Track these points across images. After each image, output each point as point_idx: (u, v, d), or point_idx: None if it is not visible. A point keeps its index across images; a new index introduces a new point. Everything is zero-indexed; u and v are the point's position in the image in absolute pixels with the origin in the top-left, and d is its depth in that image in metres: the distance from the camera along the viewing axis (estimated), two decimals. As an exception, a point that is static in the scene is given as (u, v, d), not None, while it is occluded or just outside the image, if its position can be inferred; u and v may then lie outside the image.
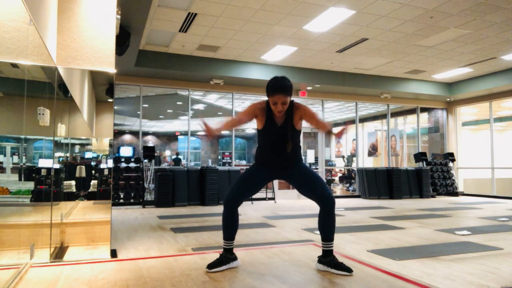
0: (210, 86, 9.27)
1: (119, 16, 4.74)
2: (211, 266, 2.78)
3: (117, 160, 8.03)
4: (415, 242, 4.19)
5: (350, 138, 14.71)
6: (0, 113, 2.79)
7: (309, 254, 3.28)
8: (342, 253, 3.38)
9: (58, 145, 3.75)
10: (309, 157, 10.80)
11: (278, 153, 2.79)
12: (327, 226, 2.73)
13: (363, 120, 14.16)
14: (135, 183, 7.94)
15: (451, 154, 11.15)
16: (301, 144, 2.93)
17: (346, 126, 2.93)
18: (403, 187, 9.90)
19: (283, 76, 2.71)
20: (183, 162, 15.53)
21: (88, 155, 5.04)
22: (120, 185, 7.86)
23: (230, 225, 2.81)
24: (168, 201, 7.77)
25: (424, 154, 11.00)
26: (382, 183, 9.88)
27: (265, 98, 2.82)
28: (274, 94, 2.63)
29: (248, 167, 2.96)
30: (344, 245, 3.97)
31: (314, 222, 5.50)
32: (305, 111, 2.77)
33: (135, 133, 18.67)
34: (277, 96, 2.62)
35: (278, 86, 2.63)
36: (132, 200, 7.86)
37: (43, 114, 3.00)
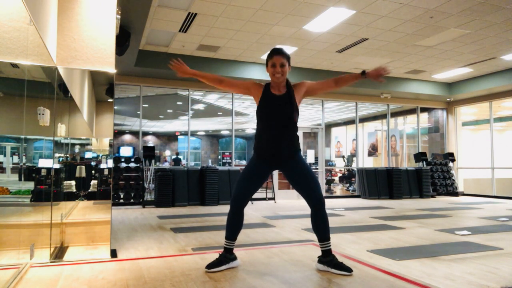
0: (210, 86, 9.26)
1: (119, 16, 4.75)
2: (210, 266, 2.78)
3: (117, 160, 8.03)
4: (415, 242, 4.19)
5: (350, 138, 14.71)
6: (0, 113, 2.79)
7: (309, 254, 3.28)
8: (342, 253, 3.38)
9: (58, 145, 3.75)
10: (309, 157, 10.79)
11: (278, 132, 2.74)
12: (320, 226, 2.74)
13: (363, 120, 14.16)
14: (135, 183, 7.95)
15: (451, 154, 11.15)
16: (301, 144, 2.92)
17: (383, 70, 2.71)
18: (403, 187, 9.91)
19: None
20: (183, 162, 15.53)
21: (88, 155, 5.04)
22: (120, 185, 7.86)
23: (235, 225, 2.82)
24: (168, 201, 7.77)
25: (424, 154, 11.00)
26: (382, 183, 9.88)
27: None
28: (272, 56, 2.73)
29: (248, 162, 2.95)
30: (344, 245, 3.97)
31: (314, 222, 5.51)
32: (305, 84, 2.84)
33: (135, 133, 18.67)
34: (275, 57, 2.71)
35: (276, 49, 2.76)
36: (132, 200, 7.86)
37: (43, 114, 3.00)
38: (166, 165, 16.34)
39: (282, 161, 2.80)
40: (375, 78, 2.74)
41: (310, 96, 2.89)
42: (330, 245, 2.76)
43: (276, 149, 2.76)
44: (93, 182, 4.99)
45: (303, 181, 2.75)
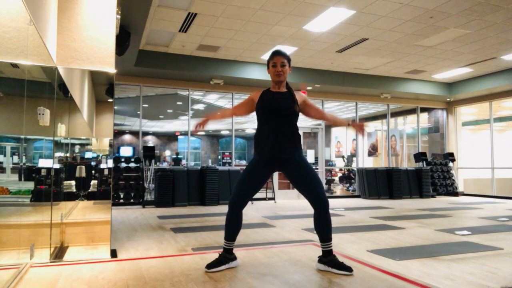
0: (210, 86, 9.27)
1: (119, 16, 4.75)
2: (210, 266, 2.78)
3: (117, 160, 8.02)
4: (415, 242, 4.19)
5: (350, 138, 14.71)
6: (0, 113, 2.79)
7: (309, 254, 3.28)
8: (342, 253, 3.38)
9: (58, 145, 3.75)
10: (309, 157, 10.79)
11: (278, 127, 2.73)
12: (323, 227, 2.73)
13: (363, 120, 14.16)
14: (135, 183, 7.94)
15: (451, 154, 11.15)
16: (301, 144, 2.91)
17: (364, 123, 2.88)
18: (403, 187, 9.90)
19: None
20: (183, 162, 15.52)
21: (88, 155, 5.03)
22: (120, 185, 7.85)
23: (233, 226, 2.82)
24: (168, 201, 7.77)
25: (424, 154, 11.00)
26: (382, 183, 9.88)
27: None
28: (273, 56, 2.82)
29: (248, 163, 2.95)
30: (344, 245, 3.97)
31: (314, 222, 5.51)
32: (306, 99, 2.92)
33: (135, 133, 18.67)
34: (276, 58, 2.81)
35: (276, 50, 2.87)
36: (132, 200, 7.86)
37: (43, 114, 3.00)
38: (165, 165, 16.33)
39: (283, 160, 2.76)
40: (358, 130, 2.84)
41: (302, 114, 2.91)
42: (331, 246, 2.75)
43: (277, 144, 2.72)
44: (93, 182, 4.98)
45: (306, 182, 2.72)
